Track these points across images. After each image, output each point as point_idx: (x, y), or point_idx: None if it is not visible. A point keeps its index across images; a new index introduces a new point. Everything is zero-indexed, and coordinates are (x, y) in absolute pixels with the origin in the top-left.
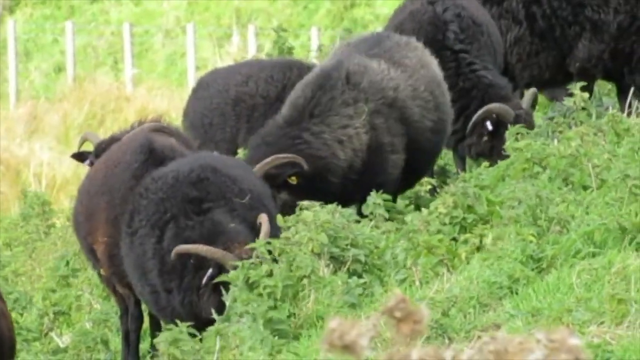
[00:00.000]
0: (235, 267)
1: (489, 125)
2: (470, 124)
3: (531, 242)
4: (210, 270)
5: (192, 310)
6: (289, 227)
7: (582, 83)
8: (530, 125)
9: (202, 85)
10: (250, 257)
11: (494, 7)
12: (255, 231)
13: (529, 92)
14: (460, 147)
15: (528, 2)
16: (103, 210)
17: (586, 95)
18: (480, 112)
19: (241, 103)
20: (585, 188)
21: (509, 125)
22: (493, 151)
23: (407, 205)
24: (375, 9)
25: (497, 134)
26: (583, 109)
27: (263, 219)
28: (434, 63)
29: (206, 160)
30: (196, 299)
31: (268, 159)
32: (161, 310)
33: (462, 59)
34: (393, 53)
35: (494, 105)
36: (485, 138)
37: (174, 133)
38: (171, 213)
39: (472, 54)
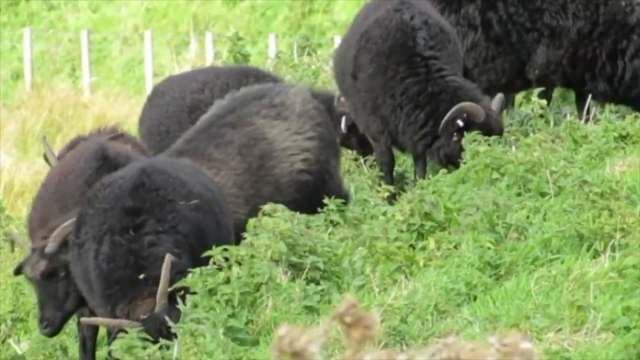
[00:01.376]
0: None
1: (460, 123)
2: (442, 123)
3: (489, 248)
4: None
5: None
6: (253, 234)
7: (540, 90)
8: (499, 125)
9: (157, 93)
10: (151, 306)
11: (452, 15)
12: (195, 238)
13: (497, 97)
14: (428, 153)
15: (484, 8)
16: (56, 217)
17: (544, 102)
18: (451, 110)
19: (197, 110)
20: (543, 195)
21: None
22: (462, 152)
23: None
24: (333, 15)
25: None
26: (541, 116)
27: (166, 261)
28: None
29: (148, 164)
30: None
31: None
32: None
33: (432, 65)
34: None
35: (465, 104)
36: (456, 138)
37: (131, 141)
38: (108, 225)
39: (442, 60)
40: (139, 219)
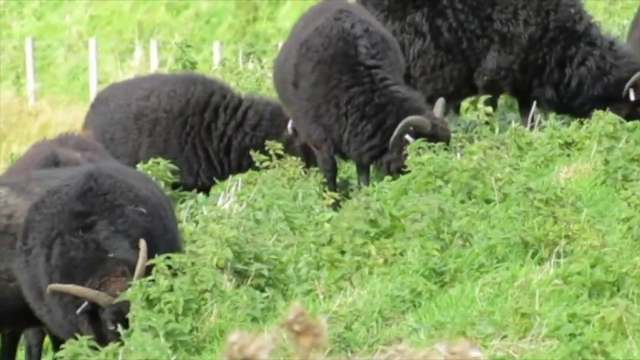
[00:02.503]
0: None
1: (408, 138)
2: (392, 140)
3: (434, 255)
4: (84, 304)
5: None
6: (194, 241)
7: (485, 97)
8: (446, 133)
9: (101, 100)
10: (125, 288)
11: (397, 22)
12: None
13: (439, 102)
14: (377, 164)
15: (432, 15)
16: None
17: (489, 109)
18: (399, 127)
19: (143, 117)
20: (488, 202)
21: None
22: None
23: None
24: (277, 22)
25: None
26: (486, 123)
27: (142, 245)
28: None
29: (95, 169)
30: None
31: None
32: (59, 327)
33: (376, 74)
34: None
35: (411, 118)
36: (405, 152)
37: (92, 147)
38: (58, 229)
39: (384, 69)
40: (89, 220)
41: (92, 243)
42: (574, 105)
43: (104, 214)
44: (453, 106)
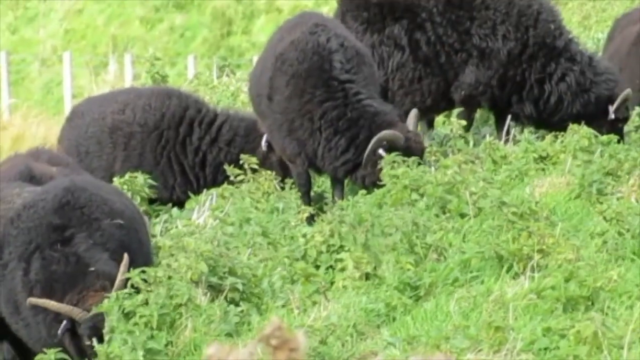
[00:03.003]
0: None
1: (382, 153)
2: (365, 155)
3: (409, 269)
4: (64, 323)
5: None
6: (172, 254)
7: (459, 110)
8: (419, 146)
9: (76, 114)
10: (102, 300)
11: (375, 35)
12: (122, 255)
13: (412, 114)
14: (351, 178)
15: (411, 28)
16: None
17: (463, 122)
18: (372, 142)
19: (118, 131)
20: (462, 216)
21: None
22: None
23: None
24: (251, 36)
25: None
26: (461, 136)
27: (125, 259)
28: None
29: (70, 183)
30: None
31: None
32: (37, 342)
33: (349, 89)
34: None
35: (384, 133)
36: (380, 166)
37: (64, 161)
38: (36, 243)
39: (359, 84)
40: (67, 233)
41: (72, 256)
42: (553, 121)
43: (82, 227)
44: (427, 120)
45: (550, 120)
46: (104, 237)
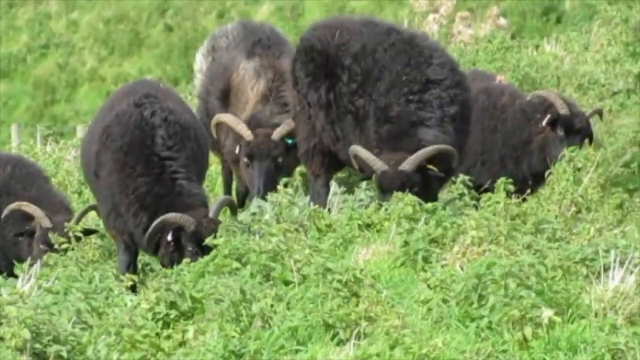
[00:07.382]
0: None
1: (169, 237)
2: (147, 236)
3: (234, 337)
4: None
5: None
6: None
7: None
8: (209, 233)
9: None
10: None
11: (312, 91)
12: None
13: (218, 200)
14: (159, 255)
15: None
16: None
17: (290, 190)
18: (153, 224)
19: None
20: (287, 283)
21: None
22: (182, 259)
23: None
24: (74, 104)
25: (179, 244)
26: (291, 202)
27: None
28: None
29: None
30: None
31: None
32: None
33: (169, 166)
34: None
35: (167, 216)
36: (172, 248)
37: None
38: None
39: (179, 161)
40: None
41: None
42: None
43: None
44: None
45: None
46: None
